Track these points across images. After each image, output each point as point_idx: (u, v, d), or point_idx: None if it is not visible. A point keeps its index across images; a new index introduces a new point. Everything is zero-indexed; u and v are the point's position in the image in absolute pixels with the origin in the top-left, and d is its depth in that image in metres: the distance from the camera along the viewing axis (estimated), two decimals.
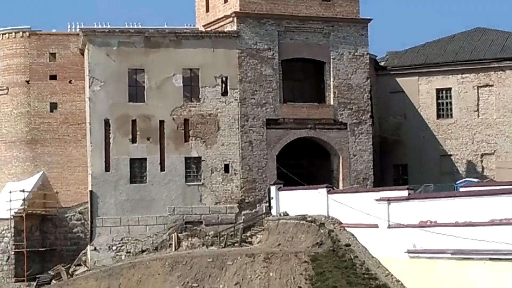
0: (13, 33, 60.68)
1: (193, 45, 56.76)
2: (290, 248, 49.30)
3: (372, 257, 46.19)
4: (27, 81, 60.17)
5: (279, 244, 51.00)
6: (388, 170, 65.94)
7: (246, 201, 56.87)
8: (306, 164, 60.16)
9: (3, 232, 58.21)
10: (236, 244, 54.12)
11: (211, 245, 54.65)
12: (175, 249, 54.48)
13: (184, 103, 56.62)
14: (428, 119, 65.39)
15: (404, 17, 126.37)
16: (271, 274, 45.88)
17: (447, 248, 40.85)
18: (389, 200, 45.27)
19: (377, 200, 45.95)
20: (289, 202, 55.23)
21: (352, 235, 48.32)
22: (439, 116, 65.38)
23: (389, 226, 44.98)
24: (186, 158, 56.37)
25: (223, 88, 57.32)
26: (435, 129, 65.14)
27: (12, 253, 57.23)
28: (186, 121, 56.52)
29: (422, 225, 42.65)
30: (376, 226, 45.99)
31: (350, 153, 59.31)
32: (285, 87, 58.57)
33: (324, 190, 52.00)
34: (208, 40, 57.20)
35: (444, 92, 65.31)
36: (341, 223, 49.68)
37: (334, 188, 54.64)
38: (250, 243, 54.57)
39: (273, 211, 56.16)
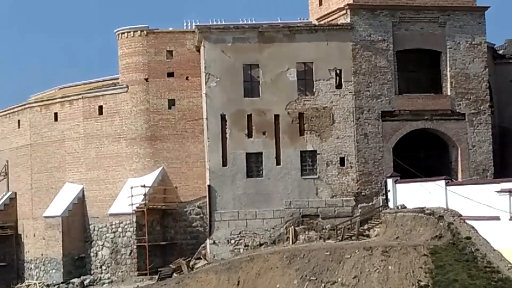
0: (132, 32, 62.19)
1: (307, 39, 56.81)
2: (408, 241, 48.71)
3: (494, 250, 45.15)
4: (146, 79, 61.56)
5: (397, 237, 50.48)
6: (509, 160, 64.13)
7: (363, 194, 56.54)
8: (423, 156, 59.23)
9: (126, 226, 59.87)
10: (353, 238, 53.91)
11: (328, 238, 54.62)
12: (293, 243, 54.72)
13: (299, 97, 56.76)
14: None
15: None
16: (389, 267, 45.47)
17: None
18: (510, 192, 44.13)
19: (498, 191, 44.91)
20: (406, 195, 54.57)
21: (472, 227, 47.32)
22: None
23: (511, 218, 43.84)
24: (301, 152, 56.50)
25: (337, 81, 57.14)
26: None
27: (135, 247, 58.79)
28: (300, 115, 56.64)
29: None
30: (497, 218, 44.94)
31: (469, 144, 58.08)
32: (400, 78, 57.87)
33: (443, 182, 51.17)
34: (322, 33, 57.12)
35: None
36: (460, 215, 48.73)
37: (453, 180, 53.65)
38: (368, 236, 54.25)
39: (390, 204, 55.62)
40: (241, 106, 56.26)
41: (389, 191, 55.82)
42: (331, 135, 56.65)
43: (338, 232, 54.53)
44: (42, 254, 64.83)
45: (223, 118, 56.21)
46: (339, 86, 57.02)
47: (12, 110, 70.82)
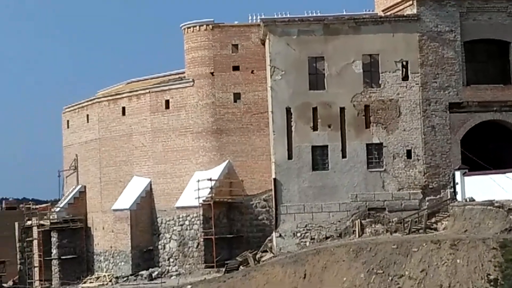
0: (197, 26, 62.60)
1: (373, 31, 56.41)
2: (477, 234, 48.05)
3: None
4: (212, 73, 61.91)
5: (465, 231, 49.84)
6: None
7: (430, 186, 55.93)
8: (492, 148, 58.25)
9: (193, 219, 60.39)
10: (420, 231, 53.37)
11: (395, 231, 54.19)
12: (359, 236, 54.48)
13: (364, 89, 56.41)
14: None
15: None
16: (458, 261, 44.93)
17: None
18: None
19: None
20: (475, 187, 53.80)
21: None
22: None
23: None
24: (367, 145, 56.16)
25: (404, 73, 56.59)
26: None
27: (202, 240, 59.25)
28: (366, 107, 56.30)
29: None
30: None
31: None
32: (468, 69, 57.00)
33: None
34: (388, 25, 56.64)
35: None
36: None
37: None
38: (435, 229, 53.65)
39: (458, 197, 54.93)
40: (306, 99, 56.18)
41: (457, 183, 55.12)
42: (397, 128, 56.16)
43: (405, 225, 54.06)
44: (111, 247, 65.85)
45: (288, 111, 56.23)
46: (405, 78, 56.47)
47: (81, 105, 72.05)
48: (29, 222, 73.81)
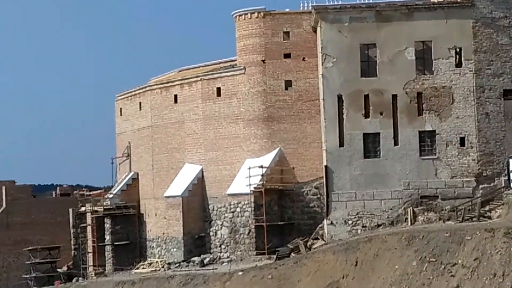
0: (249, 14, 62.63)
1: (425, 17, 55.89)
2: None
3: None
4: (263, 60, 61.93)
5: None
6: None
7: (484, 174, 55.34)
8: None
9: (244, 206, 60.63)
10: (474, 219, 52.82)
11: (448, 219, 53.74)
12: (411, 224, 54.16)
13: (417, 76, 55.95)
14: None
15: None
16: None
17: None
18: None
19: None
20: None
21: None
22: None
23: None
24: (420, 132, 55.75)
25: (457, 60, 55.98)
26: None
27: (253, 227, 59.48)
28: (419, 94, 55.85)
29: None
30: None
31: None
32: None
33: None
34: (441, 11, 56.03)
35: None
36: None
37: None
38: (489, 217, 53.05)
39: None
40: (358, 86, 55.93)
41: (511, 171, 54.40)
42: (450, 115, 55.63)
43: (458, 213, 53.57)
44: (163, 233, 66.49)
45: (339, 98, 56.06)
46: (459, 64, 55.87)
47: (133, 93, 72.71)
48: (83, 209, 74.86)
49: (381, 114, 55.84)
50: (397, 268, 47.01)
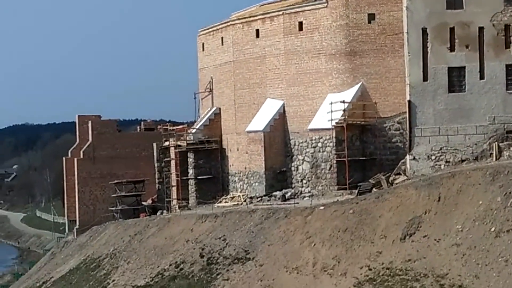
0: None
1: None
2: None
3: None
4: None
5: None
6: None
7: None
8: None
9: (325, 142, 60.49)
10: None
11: None
12: (496, 159, 53.13)
13: (505, 8, 54.16)
14: None
15: None
16: None
17: None
18: None
19: None
20: None
21: None
22: None
23: None
24: (507, 66, 54.19)
25: None
26: None
27: (334, 162, 59.38)
28: (507, 27, 54.11)
29: None
30: None
31: None
32: None
33: None
34: None
35: None
36: None
37: None
38: None
39: None
40: (443, 19, 54.56)
41: None
42: None
43: None
44: (245, 168, 67.04)
45: (424, 31, 54.85)
46: None
47: (215, 28, 72.73)
48: (166, 143, 75.98)
49: (467, 47, 54.47)
50: (481, 204, 46.33)
